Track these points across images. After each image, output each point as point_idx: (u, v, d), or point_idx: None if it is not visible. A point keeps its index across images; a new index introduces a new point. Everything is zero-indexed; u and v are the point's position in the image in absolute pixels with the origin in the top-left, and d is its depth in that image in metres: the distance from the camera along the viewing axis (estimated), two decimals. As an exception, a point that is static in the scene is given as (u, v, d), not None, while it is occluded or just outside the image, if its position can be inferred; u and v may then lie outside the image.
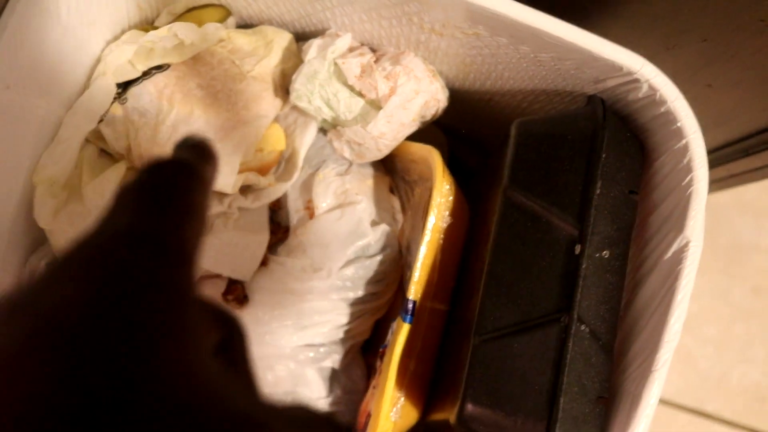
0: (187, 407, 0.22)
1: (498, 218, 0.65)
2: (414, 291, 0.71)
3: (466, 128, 0.94)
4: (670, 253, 0.62)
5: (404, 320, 0.71)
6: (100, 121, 0.74)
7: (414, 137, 0.80)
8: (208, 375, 0.24)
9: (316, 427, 0.30)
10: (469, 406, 0.61)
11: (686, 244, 0.61)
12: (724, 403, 1.40)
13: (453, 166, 0.76)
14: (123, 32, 0.76)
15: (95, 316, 0.22)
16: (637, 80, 0.63)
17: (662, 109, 0.63)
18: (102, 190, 0.72)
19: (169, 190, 0.29)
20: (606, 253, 0.61)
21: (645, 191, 0.66)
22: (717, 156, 0.92)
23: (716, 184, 0.95)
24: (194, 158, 0.32)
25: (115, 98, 0.74)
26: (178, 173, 0.30)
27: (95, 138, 0.75)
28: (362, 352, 0.87)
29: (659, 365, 0.60)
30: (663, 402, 0.57)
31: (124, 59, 0.74)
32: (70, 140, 0.72)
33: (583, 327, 0.59)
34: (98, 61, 0.75)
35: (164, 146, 0.73)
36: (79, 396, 0.20)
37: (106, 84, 0.74)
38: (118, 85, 0.75)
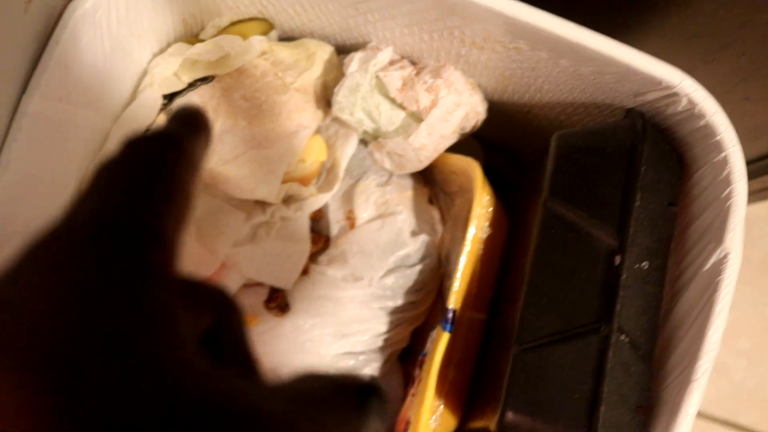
0: (173, 400, 0.21)
1: (538, 229, 0.65)
2: (454, 300, 0.72)
3: (503, 141, 0.95)
4: (709, 265, 0.63)
5: (444, 329, 0.72)
6: (147, 132, 0.75)
7: (452, 149, 0.81)
8: (193, 363, 0.23)
9: (325, 398, 0.27)
10: (510, 414, 0.61)
11: (725, 256, 0.62)
12: (758, 415, 1.40)
13: (490, 178, 0.77)
14: (169, 45, 0.78)
15: (64, 314, 0.22)
16: (676, 94, 0.63)
17: (701, 123, 0.63)
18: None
19: (149, 167, 0.27)
20: (645, 264, 0.62)
21: (684, 203, 0.67)
22: (752, 168, 0.92)
23: (751, 196, 0.95)
24: (182, 131, 0.30)
25: (161, 109, 0.76)
26: (161, 148, 0.28)
27: (142, 149, 0.76)
28: (400, 360, 0.88)
29: (698, 375, 0.60)
30: (697, 414, 0.57)
31: (170, 71, 0.76)
32: (118, 151, 0.73)
33: (622, 337, 0.60)
34: (145, 73, 0.76)
35: (208, 157, 0.74)
36: (53, 399, 0.20)
37: (152, 95, 0.75)
38: (164, 97, 0.76)
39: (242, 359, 0.31)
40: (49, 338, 0.21)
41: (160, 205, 0.26)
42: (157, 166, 0.27)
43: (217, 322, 0.30)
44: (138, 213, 0.25)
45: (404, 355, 0.88)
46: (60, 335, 0.21)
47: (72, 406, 0.20)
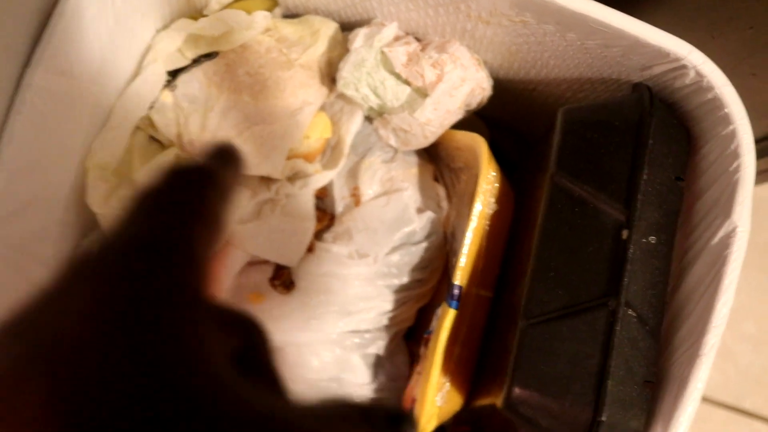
0: (206, 415, 0.22)
1: (545, 204, 0.65)
2: (460, 277, 0.71)
3: (508, 118, 0.94)
4: (717, 239, 0.62)
5: (450, 306, 0.71)
6: (150, 108, 0.75)
7: (456, 128, 0.80)
8: (225, 381, 0.24)
9: (352, 422, 0.30)
10: (517, 390, 0.61)
11: (733, 230, 0.61)
12: (763, 400, 1.39)
13: (495, 157, 0.76)
14: (173, 20, 0.77)
15: (106, 333, 0.23)
16: (684, 66, 0.63)
17: (709, 96, 0.63)
18: (153, 176, 0.72)
19: (184, 197, 0.29)
20: (653, 239, 0.61)
21: (691, 177, 0.66)
22: (759, 148, 0.91)
23: (757, 177, 0.94)
24: (215, 164, 0.32)
25: (165, 85, 0.76)
26: (195, 179, 0.30)
27: (145, 125, 0.76)
28: (405, 340, 0.88)
29: (706, 350, 0.60)
30: (701, 398, 0.57)
31: (173, 47, 0.75)
32: (121, 127, 0.73)
33: (630, 311, 0.60)
34: (149, 48, 0.76)
35: (214, 132, 0.74)
36: (93, 414, 0.21)
37: (156, 71, 0.75)
38: (168, 73, 0.76)
39: (270, 379, 0.32)
40: (81, 356, 0.22)
41: (194, 230, 0.28)
42: (192, 194, 0.29)
43: (245, 344, 0.31)
44: (172, 238, 0.27)
45: (408, 334, 0.88)
46: (92, 353, 0.22)
47: (99, 418, 0.21)
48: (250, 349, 0.31)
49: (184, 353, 0.23)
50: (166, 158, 0.74)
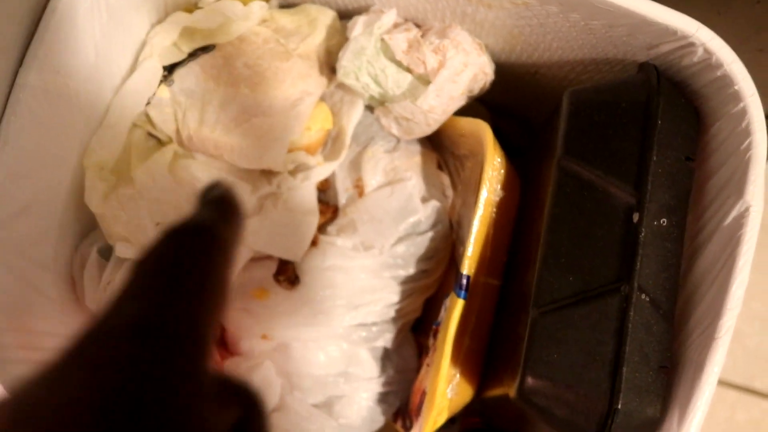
0: None
1: (553, 189, 0.64)
2: (468, 266, 0.70)
3: (511, 103, 0.93)
4: (729, 219, 0.61)
5: (458, 296, 0.70)
6: (147, 104, 0.74)
7: (458, 115, 0.79)
8: None
9: None
10: (530, 380, 0.60)
11: (747, 209, 0.60)
12: (774, 379, 1.39)
13: (499, 143, 0.75)
14: (167, 14, 0.76)
15: (107, 421, 0.22)
16: (692, 44, 0.61)
17: (718, 73, 0.62)
18: (152, 174, 0.72)
19: (185, 264, 0.28)
20: (664, 221, 0.60)
21: (701, 157, 0.65)
22: None
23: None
24: (216, 218, 0.31)
25: (161, 81, 0.75)
26: (196, 241, 0.29)
27: (143, 121, 0.75)
28: (412, 332, 0.87)
29: (722, 333, 0.59)
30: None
31: (169, 41, 0.74)
32: (119, 124, 0.72)
33: (643, 296, 0.59)
34: (144, 43, 0.74)
35: (212, 126, 0.73)
36: None
37: (152, 67, 0.74)
38: (165, 68, 0.75)
39: None
40: None
41: (196, 303, 0.27)
42: (193, 261, 0.28)
43: (244, 415, 0.31)
44: (173, 315, 0.26)
45: (416, 326, 0.87)
46: None
47: None
48: (248, 420, 0.31)
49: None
50: (165, 156, 0.73)
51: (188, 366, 0.25)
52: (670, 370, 0.60)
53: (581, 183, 0.63)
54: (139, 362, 0.24)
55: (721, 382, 1.37)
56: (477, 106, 0.88)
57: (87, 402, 0.22)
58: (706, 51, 0.61)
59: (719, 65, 0.61)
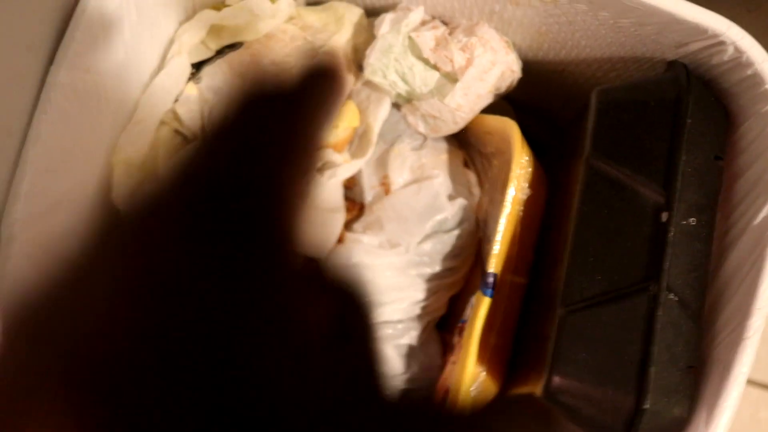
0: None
1: (581, 187, 0.64)
2: (494, 264, 0.70)
3: (537, 101, 0.93)
4: (759, 219, 0.61)
5: (485, 294, 0.70)
6: (176, 101, 0.74)
7: (484, 113, 0.79)
8: (312, 354, 0.21)
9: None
10: (557, 379, 0.60)
11: (776, 209, 0.60)
12: (799, 378, 1.37)
13: (525, 141, 0.75)
14: (195, 12, 0.76)
15: (152, 316, 0.20)
16: (722, 43, 0.61)
17: (749, 72, 0.61)
18: (180, 171, 0.72)
19: (266, 125, 0.25)
20: (693, 220, 0.60)
21: (730, 156, 0.65)
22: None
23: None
24: (309, 83, 0.28)
25: (189, 78, 0.75)
26: (279, 106, 0.26)
27: (170, 118, 0.75)
28: (437, 329, 0.87)
29: (751, 333, 0.59)
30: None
31: (197, 39, 0.74)
32: (147, 121, 0.72)
33: (671, 295, 0.58)
34: (172, 41, 0.75)
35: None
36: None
37: (180, 64, 0.74)
38: (193, 65, 0.75)
39: (357, 355, 0.28)
40: (113, 355, 0.19)
41: (277, 167, 0.24)
42: (275, 124, 0.25)
43: (343, 309, 0.28)
44: (252, 176, 0.23)
45: (441, 323, 0.87)
46: (128, 347, 0.19)
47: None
48: (344, 319, 0.27)
49: (275, 331, 0.21)
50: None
51: (273, 244, 0.23)
52: (698, 370, 0.60)
53: (610, 182, 0.63)
54: (208, 235, 0.21)
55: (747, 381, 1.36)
56: (502, 104, 0.88)
57: (122, 292, 0.20)
58: (737, 50, 0.61)
59: (750, 64, 0.61)
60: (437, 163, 0.80)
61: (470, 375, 0.71)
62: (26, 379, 0.19)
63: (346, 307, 0.28)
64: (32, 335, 0.20)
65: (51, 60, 0.62)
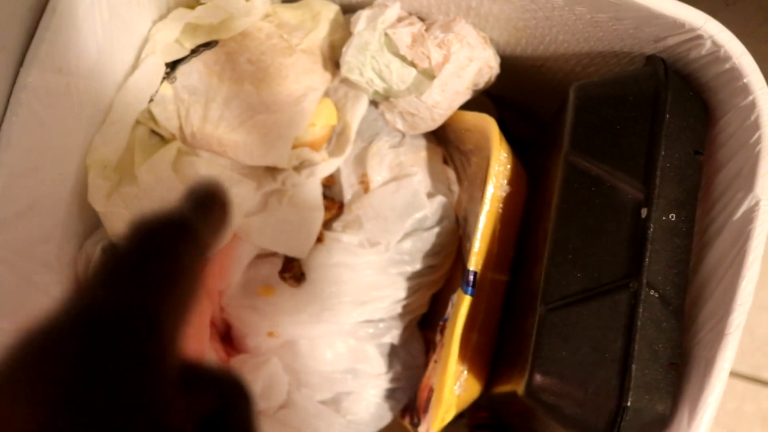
0: None
1: (560, 184, 0.64)
2: (475, 262, 0.70)
3: (517, 97, 0.93)
4: (739, 213, 0.61)
5: (465, 292, 0.70)
6: (150, 101, 0.73)
7: (464, 109, 0.79)
8: None
9: None
10: (538, 377, 0.60)
11: (757, 203, 0.59)
12: (783, 369, 1.38)
13: (505, 137, 0.75)
14: (169, 10, 0.75)
15: (53, 412, 0.22)
16: (699, 37, 0.61)
17: (727, 66, 0.61)
18: (156, 171, 0.71)
19: (156, 257, 0.27)
20: (673, 216, 0.60)
21: (710, 151, 0.65)
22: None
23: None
24: (196, 214, 0.30)
25: (164, 78, 0.74)
26: (170, 236, 0.28)
27: (146, 118, 0.74)
28: (419, 327, 0.87)
29: (732, 329, 0.58)
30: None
31: (171, 38, 0.73)
32: (121, 121, 0.71)
33: (652, 292, 0.58)
34: (146, 40, 0.74)
35: (216, 123, 0.72)
36: None
37: (154, 63, 0.73)
38: (167, 64, 0.74)
39: None
40: None
41: (164, 297, 0.26)
42: (164, 255, 0.27)
43: (220, 406, 0.30)
44: (140, 305, 0.25)
45: (423, 321, 0.87)
46: None
47: None
48: (225, 412, 0.30)
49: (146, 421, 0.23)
50: (168, 153, 0.73)
51: (149, 354, 0.24)
52: (680, 367, 0.60)
53: (589, 178, 0.62)
54: (97, 351, 0.23)
55: (730, 373, 1.36)
56: (483, 99, 0.88)
57: (34, 401, 0.22)
58: (714, 44, 0.61)
59: (727, 58, 0.60)
60: (416, 160, 0.79)
61: (452, 374, 0.71)
62: None
63: (223, 403, 0.30)
64: None
65: (21, 61, 0.61)
